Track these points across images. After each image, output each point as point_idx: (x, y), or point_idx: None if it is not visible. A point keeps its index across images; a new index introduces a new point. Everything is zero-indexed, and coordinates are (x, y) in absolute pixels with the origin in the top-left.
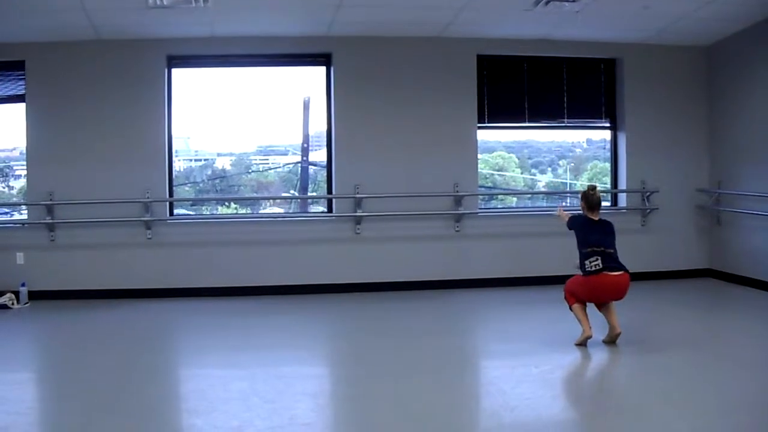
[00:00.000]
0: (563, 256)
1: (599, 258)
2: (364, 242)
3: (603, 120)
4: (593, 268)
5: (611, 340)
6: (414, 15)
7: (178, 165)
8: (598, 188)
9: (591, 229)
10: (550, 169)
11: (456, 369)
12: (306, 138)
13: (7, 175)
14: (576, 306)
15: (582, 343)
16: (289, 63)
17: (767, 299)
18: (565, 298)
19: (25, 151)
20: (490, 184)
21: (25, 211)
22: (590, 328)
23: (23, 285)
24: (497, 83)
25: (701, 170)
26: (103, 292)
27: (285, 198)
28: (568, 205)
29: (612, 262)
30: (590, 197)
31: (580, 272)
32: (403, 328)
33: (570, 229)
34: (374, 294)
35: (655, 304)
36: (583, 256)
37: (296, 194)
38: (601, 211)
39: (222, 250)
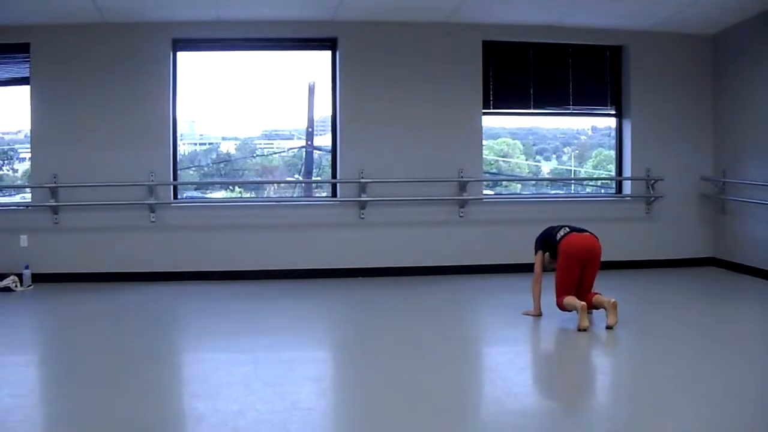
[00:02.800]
0: None
1: (567, 228)
2: (368, 227)
3: (608, 107)
4: (563, 233)
5: (611, 325)
6: (419, 0)
7: (183, 148)
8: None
9: (555, 227)
10: (554, 156)
11: (459, 355)
12: (311, 122)
13: (11, 158)
14: (566, 298)
15: (584, 328)
16: (294, 47)
17: None
18: (557, 305)
19: (29, 134)
20: (494, 170)
21: (29, 194)
22: (587, 319)
23: (26, 268)
24: (502, 69)
25: (706, 159)
26: (106, 275)
27: (289, 182)
28: (572, 192)
29: (579, 228)
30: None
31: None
32: (407, 313)
33: (544, 249)
34: (378, 279)
35: (658, 292)
36: (555, 235)
37: (300, 179)
38: (604, 200)
39: (226, 234)
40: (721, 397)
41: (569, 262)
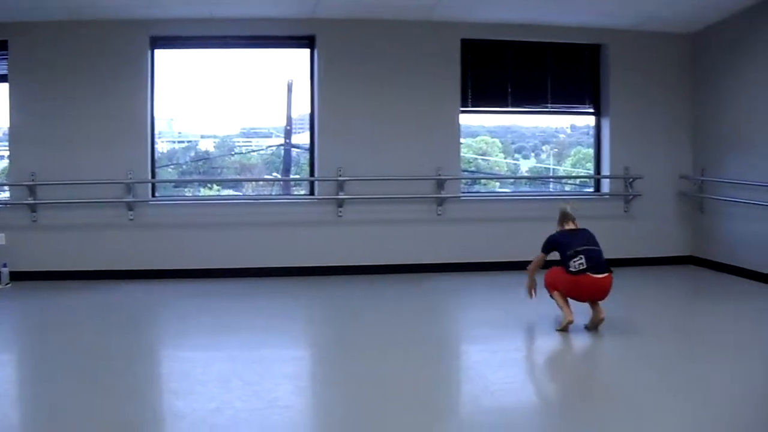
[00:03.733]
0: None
1: (583, 257)
2: (345, 225)
3: (587, 106)
4: (577, 268)
5: (594, 326)
6: None
7: (162, 146)
8: (569, 207)
9: (570, 236)
10: (533, 154)
11: (437, 353)
12: (289, 120)
13: None
14: (556, 293)
15: (564, 329)
16: (273, 45)
17: (748, 287)
18: (545, 286)
19: (7, 132)
20: (473, 169)
21: (7, 192)
22: (571, 313)
23: (5, 266)
24: (481, 67)
25: (685, 157)
26: (84, 273)
27: (267, 180)
28: (551, 189)
29: (596, 262)
30: (561, 210)
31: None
32: (385, 311)
33: (548, 252)
34: (356, 277)
35: (637, 290)
36: (567, 258)
37: (279, 177)
38: (582, 198)
39: (204, 231)
40: (700, 395)
41: (574, 293)
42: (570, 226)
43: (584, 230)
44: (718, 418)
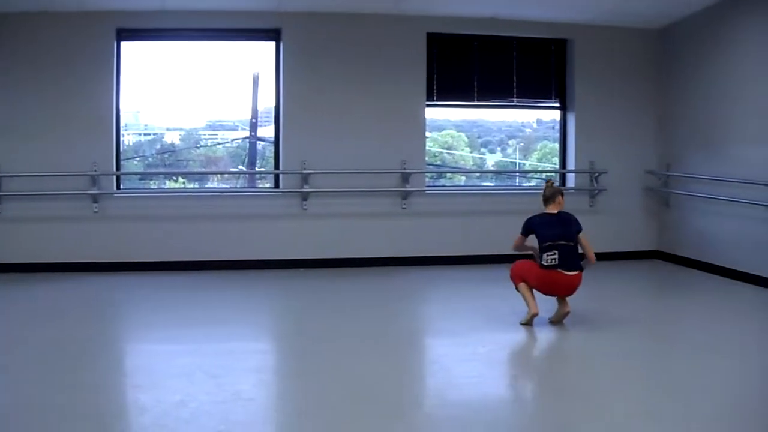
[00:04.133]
0: (509, 235)
1: (556, 253)
2: (310, 218)
3: (552, 100)
4: (549, 263)
5: (559, 319)
6: None
7: (128, 139)
8: (553, 182)
9: (548, 224)
10: (499, 148)
11: (402, 346)
12: (255, 113)
13: None
14: (522, 285)
15: (528, 323)
16: (238, 38)
17: (713, 282)
18: (511, 278)
19: None
20: (439, 162)
21: None
22: (536, 306)
23: None
24: (447, 61)
25: (650, 152)
26: (49, 266)
27: (232, 173)
28: (516, 184)
29: (569, 259)
30: (544, 191)
31: (537, 260)
32: (349, 305)
33: (526, 235)
34: (320, 270)
35: (602, 285)
36: (542, 250)
37: (244, 169)
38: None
39: (169, 224)
40: (664, 390)
41: (543, 287)
42: (551, 209)
43: (565, 217)
44: (679, 410)
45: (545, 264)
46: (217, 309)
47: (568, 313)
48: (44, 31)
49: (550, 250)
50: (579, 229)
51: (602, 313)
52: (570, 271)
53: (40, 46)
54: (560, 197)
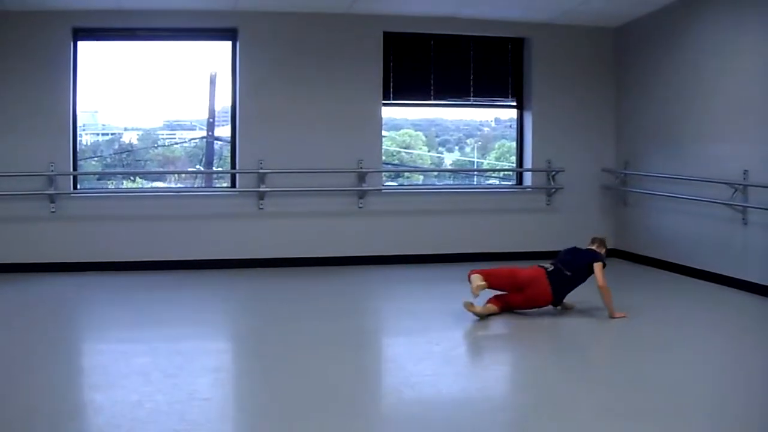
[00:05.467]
0: (466, 234)
1: (552, 266)
2: (267, 218)
3: (509, 99)
4: (541, 264)
5: (481, 312)
6: None
7: (86, 139)
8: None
9: (566, 251)
10: (457, 147)
11: (357, 346)
12: (212, 113)
13: None
14: (475, 276)
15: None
16: (195, 37)
17: (671, 280)
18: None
19: None
20: (396, 161)
21: None
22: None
23: None
24: (403, 60)
25: (608, 150)
26: (5, 266)
27: (189, 173)
28: (474, 183)
29: (558, 281)
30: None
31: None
32: (305, 304)
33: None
34: (277, 270)
35: None
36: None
37: (201, 169)
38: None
39: (126, 224)
40: (617, 386)
41: (512, 273)
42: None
43: (581, 252)
44: (632, 405)
45: (547, 268)
46: (174, 309)
47: (495, 313)
48: (0, 30)
49: (551, 263)
50: (592, 261)
51: (559, 311)
52: (551, 288)
53: None
54: (598, 244)
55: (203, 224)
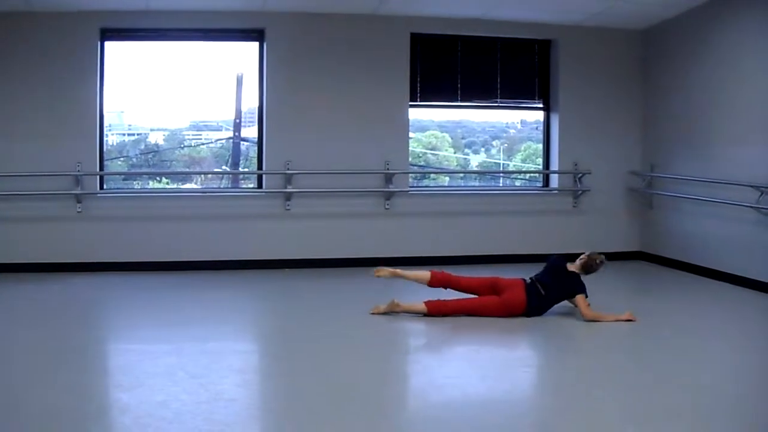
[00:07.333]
0: (492, 235)
1: (530, 281)
2: (293, 219)
3: (536, 101)
4: (532, 277)
5: (390, 309)
6: None
7: (112, 139)
8: (598, 258)
9: (546, 269)
10: (483, 149)
11: (384, 346)
12: (238, 114)
13: None
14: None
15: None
16: (222, 38)
17: (697, 282)
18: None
19: None
20: (423, 163)
21: None
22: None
23: None
24: (430, 62)
25: (634, 153)
26: (32, 266)
27: (216, 173)
28: (500, 185)
29: (531, 291)
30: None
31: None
32: (331, 305)
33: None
34: (303, 270)
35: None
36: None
37: (228, 170)
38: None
39: (152, 224)
40: (647, 388)
41: (492, 280)
42: (573, 268)
43: (564, 277)
44: (661, 408)
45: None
46: (200, 309)
47: (408, 311)
48: (27, 32)
49: (530, 277)
50: (572, 293)
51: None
52: (527, 298)
53: (24, 45)
54: (581, 265)
55: (229, 225)
